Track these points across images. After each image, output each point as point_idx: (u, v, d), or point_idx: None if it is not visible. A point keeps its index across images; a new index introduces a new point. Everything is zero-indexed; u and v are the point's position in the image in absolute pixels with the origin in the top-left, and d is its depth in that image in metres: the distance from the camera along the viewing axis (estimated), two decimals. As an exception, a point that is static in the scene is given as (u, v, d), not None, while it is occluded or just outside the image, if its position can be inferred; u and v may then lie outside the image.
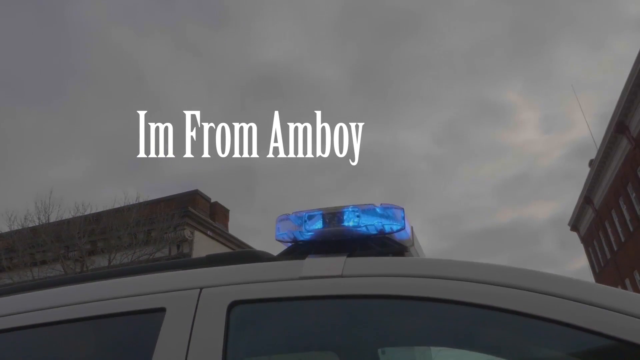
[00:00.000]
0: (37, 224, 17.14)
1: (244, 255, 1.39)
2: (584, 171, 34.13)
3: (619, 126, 24.89)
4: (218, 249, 19.43)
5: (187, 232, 19.17)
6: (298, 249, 1.33)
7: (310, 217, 1.30)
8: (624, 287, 30.37)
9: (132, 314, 1.25)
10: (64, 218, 17.36)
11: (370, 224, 1.25)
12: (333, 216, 1.27)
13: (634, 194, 25.93)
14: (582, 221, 38.17)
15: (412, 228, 1.40)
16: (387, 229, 1.26)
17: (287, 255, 1.34)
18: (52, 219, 17.30)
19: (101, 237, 17.26)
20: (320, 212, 1.29)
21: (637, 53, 20.62)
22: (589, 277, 38.94)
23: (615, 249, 30.97)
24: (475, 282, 1.02)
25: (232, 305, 1.16)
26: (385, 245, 1.27)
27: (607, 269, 33.83)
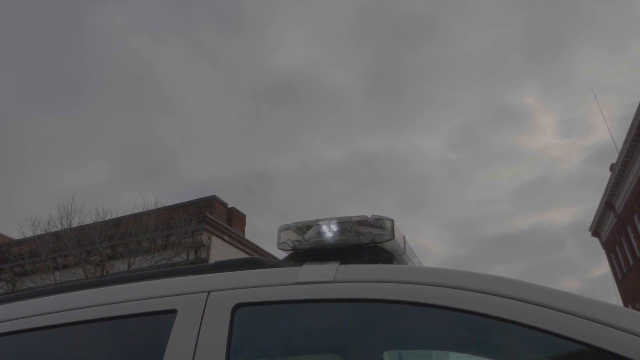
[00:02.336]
0: (59, 229, 17.60)
1: (249, 261, 1.52)
2: (605, 175, 33.60)
3: (640, 130, 24.47)
4: (235, 254, 19.65)
5: (204, 238, 19.44)
6: (297, 257, 1.45)
7: (308, 227, 1.42)
8: (648, 294, 29.71)
9: (146, 315, 1.38)
10: (85, 223, 17.81)
11: (362, 234, 1.36)
12: (329, 226, 1.40)
13: (656, 199, 25.41)
14: (603, 227, 37.48)
15: (404, 237, 1.51)
16: (378, 238, 1.37)
17: (287, 262, 1.46)
18: (74, 224, 17.76)
19: (121, 242, 17.65)
20: (318, 222, 1.42)
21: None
22: (612, 284, 38.21)
23: (639, 255, 30.32)
24: (454, 288, 1.12)
25: (236, 307, 1.29)
26: (375, 253, 1.39)
27: (630, 276, 33.12)
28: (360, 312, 1.23)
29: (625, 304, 35.77)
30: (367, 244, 1.38)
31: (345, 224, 1.38)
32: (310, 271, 1.32)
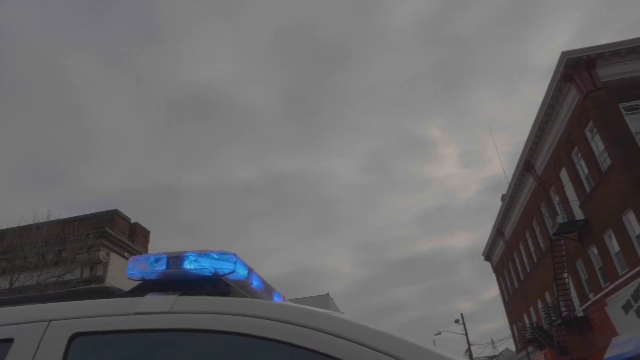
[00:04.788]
0: None
1: (95, 290, 1.56)
2: (497, 205, 36.71)
3: (526, 165, 27.17)
4: (135, 271, 18.64)
5: (102, 254, 18.30)
6: (145, 287, 1.52)
7: (156, 260, 1.51)
8: (529, 315, 32.55)
9: None
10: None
11: (205, 267, 1.48)
12: (175, 259, 1.49)
13: (538, 228, 28.20)
14: (494, 252, 40.72)
15: (250, 269, 1.64)
16: (220, 271, 1.49)
17: (133, 292, 1.53)
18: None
19: (3, 256, 16.05)
20: (165, 255, 1.51)
21: (541, 99, 22.84)
22: (500, 306, 41.41)
23: (522, 278, 33.26)
24: (271, 319, 1.27)
25: (73, 337, 1.32)
26: (216, 286, 1.50)
27: (515, 298, 36.17)
28: (193, 342, 1.31)
29: (511, 325, 38.92)
30: (209, 276, 1.49)
31: (189, 257, 1.48)
32: (151, 302, 1.40)
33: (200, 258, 1.48)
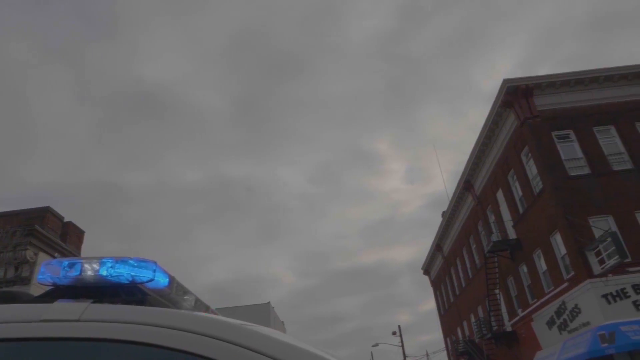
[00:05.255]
0: None
1: (0, 295, 1.48)
2: (438, 221, 37.97)
3: (466, 184, 28.30)
4: (65, 273, 17.67)
5: (29, 253, 17.22)
6: (55, 293, 1.46)
7: (70, 265, 1.45)
8: (462, 329, 33.70)
9: None
10: None
11: (121, 274, 1.43)
12: (90, 265, 1.44)
13: (474, 245, 29.37)
14: (433, 266, 41.95)
15: (172, 278, 1.61)
16: (137, 279, 1.45)
17: (42, 298, 1.46)
18: None
19: None
20: (80, 260, 1.45)
21: (483, 122, 23.96)
22: (437, 319, 42.61)
23: (458, 293, 34.45)
24: (185, 331, 1.24)
25: None
26: (132, 294, 1.46)
27: (450, 312, 37.37)
28: (102, 352, 1.26)
29: (445, 338, 40.12)
30: (126, 284, 1.45)
31: (106, 263, 1.43)
32: (60, 309, 1.33)
33: (117, 265, 1.43)
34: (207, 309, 1.90)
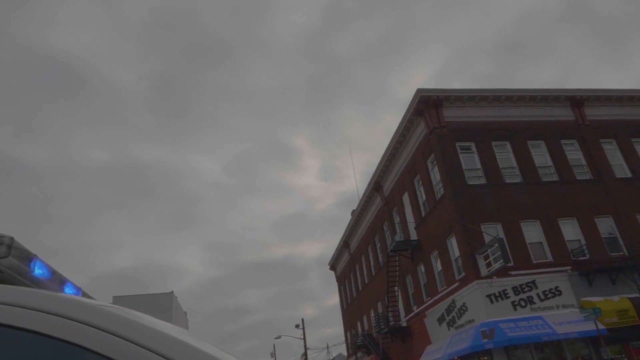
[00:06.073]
0: None
1: None
2: (348, 218, 39.14)
3: (376, 185, 29.44)
4: None
5: None
6: None
7: None
8: (362, 323, 35.06)
9: None
10: None
11: None
12: None
13: (379, 244, 30.66)
14: (339, 262, 43.15)
15: (33, 256, 1.53)
16: None
17: None
18: None
19: None
20: None
21: (395, 128, 25.06)
22: (339, 313, 43.92)
23: (360, 289, 35.77)
24: (36, 310, 1.20)
25: None
26: None
27: (352, 306, 38.72)
28: None
29: (346, 332, 41.50)
30: None
31: None
32: None
33: None
34: (79, 291, 1.83)
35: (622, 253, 20.17)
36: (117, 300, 54.58)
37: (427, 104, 21.97)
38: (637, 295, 18.67)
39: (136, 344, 1.16)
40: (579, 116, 23.47)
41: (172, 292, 59.74)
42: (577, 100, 23.52)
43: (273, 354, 47.50)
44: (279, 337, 40.80)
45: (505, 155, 21.82)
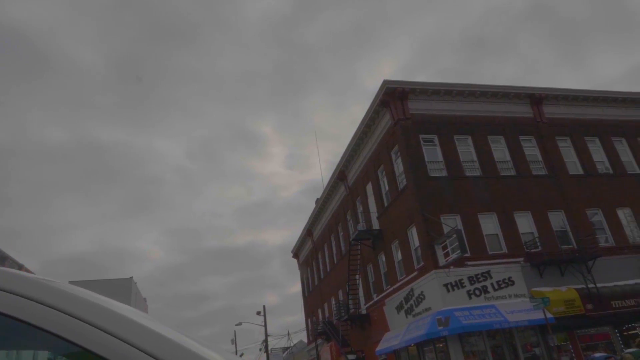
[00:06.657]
0: None
1: None
2: (312, 207, 39.31)
3: (340, 174, 29.65)
4: None
5: None
6: None
7: None
8: (323, 311, 35.46)
9: None
10: None
11: None
12: None
13: (341, 232, 30.99)
14: (302, 250, 43.38)
15: None
16: None
17: None
18: None
19: None
20: None
21: (361, 118, 25.24)
22: (301, 300, 44.24)
23: (322, 277, 36.14)
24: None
25: None
26: None
27: (314, 294, 39.09)
28: None
29: (307, 319, 41.90)
30: None
31: None
32: None
33: None
34: (19, 268, 1.80)
35: (571, 246, 21.18)
36: (75, 285, 52.94)
37: (393, 96, 22.22)
38: (583, 286, 19.69)
39: (82, 321, 1.15)
40: (537, 114, 24.32)
41: (131, 277, 58.54)
42: (536, 98, 24.34)
43: (234, 341, 47.49)
44: (239, 324, 40.78)
45: (466, 149, 22.39)
